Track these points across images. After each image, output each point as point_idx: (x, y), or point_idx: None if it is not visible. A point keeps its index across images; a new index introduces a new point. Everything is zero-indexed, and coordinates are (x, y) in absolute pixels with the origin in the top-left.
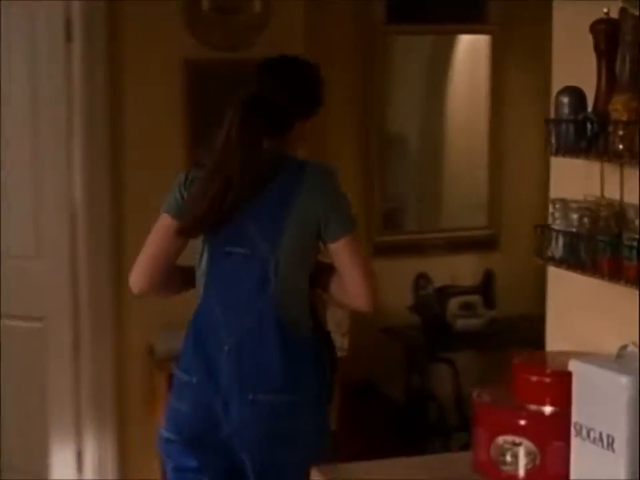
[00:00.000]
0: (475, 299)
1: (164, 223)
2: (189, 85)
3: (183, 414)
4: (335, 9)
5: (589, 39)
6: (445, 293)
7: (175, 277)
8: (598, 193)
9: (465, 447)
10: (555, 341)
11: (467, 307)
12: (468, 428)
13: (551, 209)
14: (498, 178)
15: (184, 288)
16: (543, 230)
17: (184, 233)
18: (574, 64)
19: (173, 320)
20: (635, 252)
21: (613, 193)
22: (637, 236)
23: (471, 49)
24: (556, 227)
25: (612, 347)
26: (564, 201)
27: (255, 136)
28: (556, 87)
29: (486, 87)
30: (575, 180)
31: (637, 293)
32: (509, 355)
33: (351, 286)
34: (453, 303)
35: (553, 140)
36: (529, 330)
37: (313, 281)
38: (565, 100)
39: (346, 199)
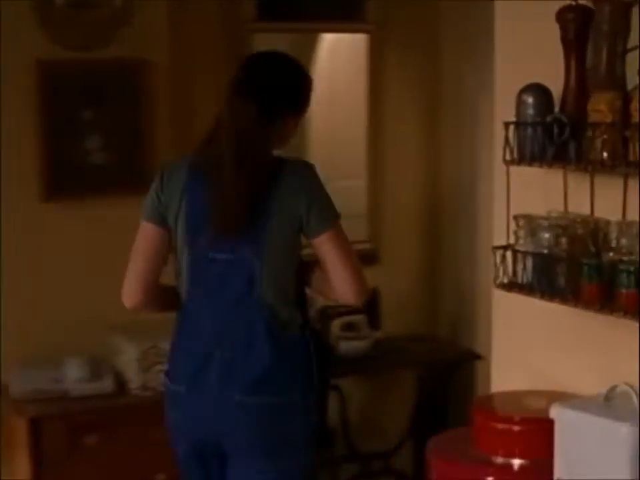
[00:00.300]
0: (359, 319)
1: (145, 230)
2: (42, 87)
3: (179, 425)
4: (201, 6)
5: (535, 34)
6: (326, 313)
7: (164, 291)
8: (560, 207)
9: (354, 479)
10: (504, 379)
11: (350, 328)
12: (357, 459)
13: (514, 227)
14: (377, 186)
15: (174, 305)
16: (495, 250)
17: (229, 232)
18: (519, 61)
19: (30, 355)
20: (633, 278)
21: (578, 206)
22: (632, 258)
23: (346, 49)
24: (521, 248)
25: (584, 386)
26: (530, 218)
27: (246, 117)
28: (502, 87)
29: (364, 89)
30: (532, 192)
31: (637, 325)
32: (396, 378)
33: (337, 281)
34: (336, 325)
35: (514, 147)
36: (416, 350)
37: (298, 277)
38: (529, 100)
39: (326, 193)
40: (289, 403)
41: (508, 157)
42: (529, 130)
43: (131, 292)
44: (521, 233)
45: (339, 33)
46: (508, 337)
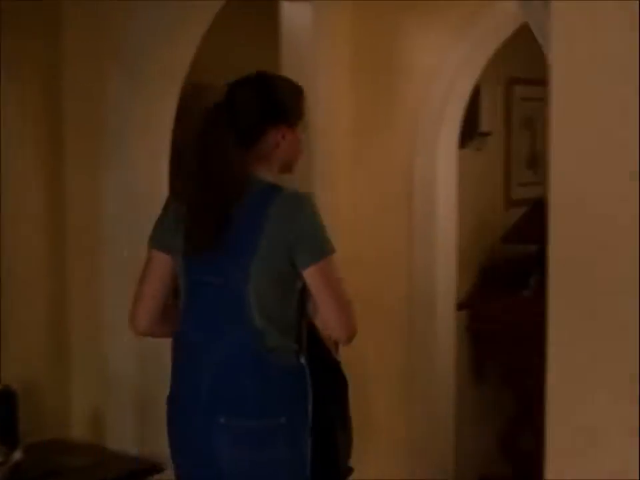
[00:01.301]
0: None
1: (151, 257)
2: None
3: (175, 442)
4: None
5: None
6: None
7: (171, 314)
8: None
9: None
10: None
11: None
12: None
13: None
14: None
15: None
16: None
17: (196, 250)
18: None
19: None
20: None
21: None
22: None
23: None
24: None
25: None
26: None
27: (221, 145)
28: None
29: None
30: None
31: None
32: None
33: (324, 317)
34: None
35: None
36: (75, 468)
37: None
38: None
39: (320, 226)
40: (273, 426)
41: None
42: None
43: (138, 318)
44: None
45: None
46: None
